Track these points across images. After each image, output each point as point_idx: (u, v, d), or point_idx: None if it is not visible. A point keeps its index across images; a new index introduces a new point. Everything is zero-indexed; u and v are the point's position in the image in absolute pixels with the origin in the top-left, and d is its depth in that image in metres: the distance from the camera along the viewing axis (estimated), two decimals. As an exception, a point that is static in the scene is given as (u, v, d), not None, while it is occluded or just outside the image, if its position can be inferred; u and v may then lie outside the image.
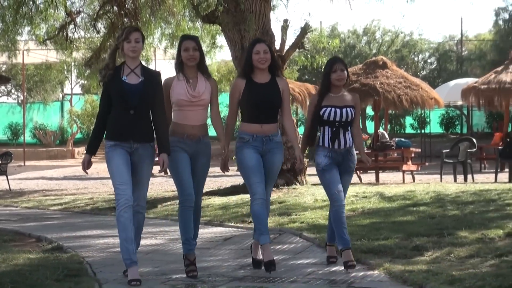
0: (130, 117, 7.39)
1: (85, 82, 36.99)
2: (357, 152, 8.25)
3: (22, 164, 32.71)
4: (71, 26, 19.99)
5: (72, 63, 24.54)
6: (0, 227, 11.87)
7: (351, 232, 9.54)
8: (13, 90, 49.74)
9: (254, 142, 7.82)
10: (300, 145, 8.27)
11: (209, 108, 7.91)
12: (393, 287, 6.86)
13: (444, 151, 20.47)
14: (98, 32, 20.06)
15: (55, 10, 18.75)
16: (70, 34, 20.01)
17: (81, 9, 20.45)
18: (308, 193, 13.94)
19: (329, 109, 7.90)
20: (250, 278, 7.47)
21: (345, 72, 7.99)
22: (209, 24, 18.67)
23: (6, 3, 18.22)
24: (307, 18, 48.38)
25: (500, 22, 43.43)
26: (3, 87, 49.03)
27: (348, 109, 7.94)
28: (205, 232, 10.67)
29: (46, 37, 20.21)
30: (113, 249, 9.42)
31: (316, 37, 18.60)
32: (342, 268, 7.69)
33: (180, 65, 7.84)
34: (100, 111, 7.62)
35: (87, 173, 7.94)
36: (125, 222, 7.31)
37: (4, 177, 20.99)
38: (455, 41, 51.64)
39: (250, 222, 11.26)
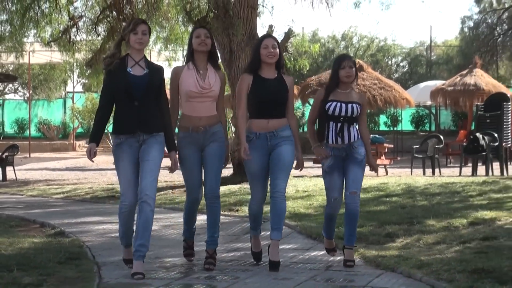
0: (135, 108, 6.73)
1: (86, 81, 36.99)
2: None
3: (28, 156, 32.61)
4: (74, 29, 20.07)
5: (74, 64, 24.48)
6: (7, 213, 11.85)
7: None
8: (19, 88, 49.54)
9: (258, 141, 7.08)
10: (303, 144, 7.55)
11: None
12: (367, 271, 6.87)
13: (414, 146, 20.50)
14: (99, 35, 20.13)
15: (59, 14, 18.81)
16: (72, 37, 20.08)
17: (83, 13, 20.48)
18: (290, 184, 13.92)
19: (334, 103, 7.18)
20: (236, 261, 7.47)
21: (354, 69, 7.28)
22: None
23: (14, 8, 18.22)
24: (290, 24, 48.57)
25: (466, 30, 43.50)
26: (10, 85, 48.81)
27: (354, 104, 7.20)
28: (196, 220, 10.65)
29: (50, 39, 20.28)
30: (111, 234, 9.40)
31: (299, 41, 18.62)
32: (322, 252, 7.69)
33: (191, 54, 7.18)
34: (103, 103, 6.88)
35: (93, 161, 7.17)
36: (125, 219, 6.93)
37: (11, 168, 20.92)
38: (425, 47, 51.70)
39: (237, 210, 11.27)
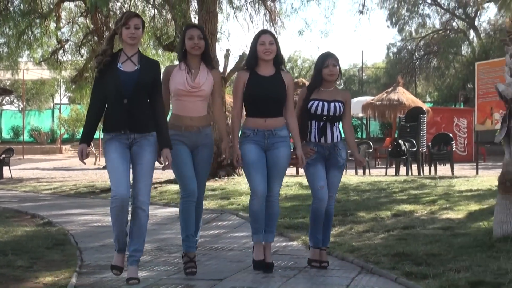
0: (124, 106, 5.51)
1: (71, 94, 36.58)
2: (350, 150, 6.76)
3: (22, 157, 32.16)
4: (61, 51, 20.13)
5: (61, 80, 24.39)
6: (3, 206, 11.71)
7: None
8: (15, 100, 49.04)
9: (255, 137, 5.96)
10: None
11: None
12: (308, 254, 6.86)
13: (348, 151, 20.59)
14: (82, 56, 20.25)
15: (48, 38, 18.83)
16: (60, 57, 20.09)
17: (69, 38, 20.51)
18: (244, 182, 13.89)
19: (316, 102, 6.11)
20: (197, 247, 7.44)
21: (337, 67, 6.17)
22: (168, 52, 18.71)
23: (10, 33, 18.18)
24: (244, 48, 48.41)
25: (390, 54, 43.92)
26: (7, 98, 48.29)
27: (337, 103, 6.17)
28: (164, 212, 10.63)
29: (41, 59, 20.29)
30: (91, 224, 9.35)
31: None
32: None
33: (183, 54, 6.05)
34: (92, 101, 5.71)
35: (84, 163, 5.93)
36: (117, 215, 5.56)
37: (7, 168, 20.68)
38: (357, 68, 52.11)
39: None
